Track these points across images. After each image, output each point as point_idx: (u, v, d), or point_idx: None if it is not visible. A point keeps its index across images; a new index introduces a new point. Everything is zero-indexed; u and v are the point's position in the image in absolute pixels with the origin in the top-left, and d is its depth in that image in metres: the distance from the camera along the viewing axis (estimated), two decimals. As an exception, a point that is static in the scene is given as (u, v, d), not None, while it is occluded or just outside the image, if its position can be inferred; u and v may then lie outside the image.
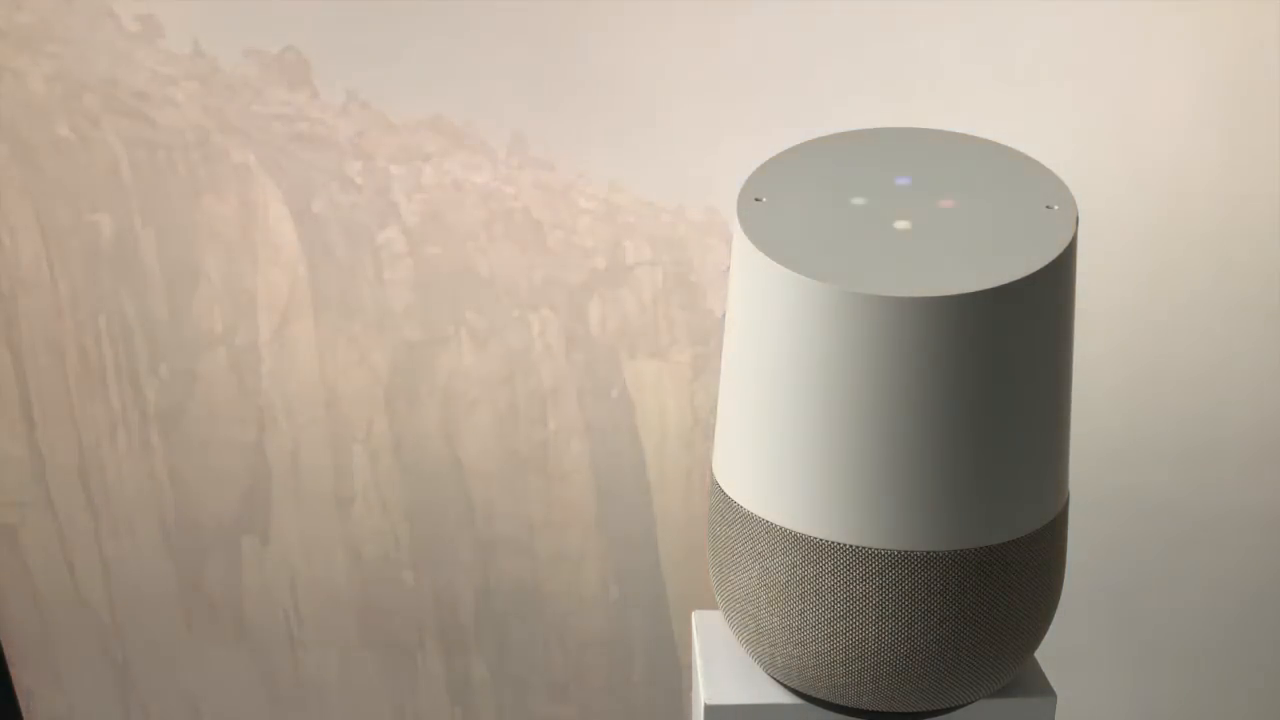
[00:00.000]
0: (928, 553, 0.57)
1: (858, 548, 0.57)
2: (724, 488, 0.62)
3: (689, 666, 0.70)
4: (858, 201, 0.58)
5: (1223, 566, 1.05)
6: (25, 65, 0.91)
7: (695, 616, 0.71)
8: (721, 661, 0.67)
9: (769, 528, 0.59)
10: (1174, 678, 1.10)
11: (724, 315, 0.60)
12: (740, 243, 0.57)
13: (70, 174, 0.94)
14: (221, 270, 0.97)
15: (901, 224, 0.57)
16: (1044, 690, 0.65)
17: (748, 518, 0.60)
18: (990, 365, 0.54)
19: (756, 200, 0.58)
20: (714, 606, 0.67)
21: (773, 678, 0.65)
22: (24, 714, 1.17)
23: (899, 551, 0.57)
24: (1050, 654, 0.67)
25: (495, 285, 0.97)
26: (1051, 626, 0.63)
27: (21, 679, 1.16)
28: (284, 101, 0.91)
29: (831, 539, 0.57)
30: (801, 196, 0.59)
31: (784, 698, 0.64)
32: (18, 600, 1.12)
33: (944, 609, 0.58)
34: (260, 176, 0.93)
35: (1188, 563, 1.05)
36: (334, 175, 0.93)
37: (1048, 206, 0.58)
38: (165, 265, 0.97)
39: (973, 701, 0.63)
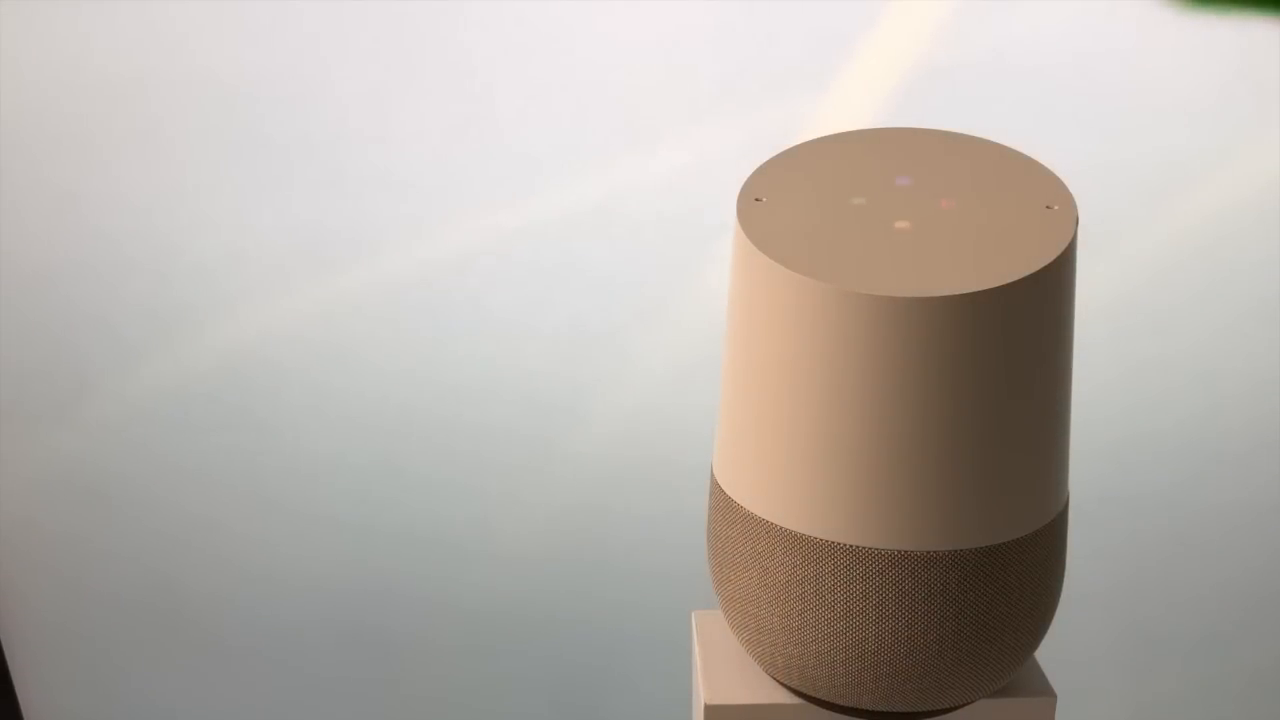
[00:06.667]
0: (928, 553, 0.57)
1: (858, 548, 0.57)
2: (724, 488, 0.62)
3: (689, 666, 0.70)
4: (858, 201, 0.58)
5: (1223, 566, 1.05)
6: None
7: (695, 616, 0.71)
8: (721, 661, 0.67)
9: (769, 528, 0.59)
10: (1174, 678, 1.10)
11: (723, 316, 0.60)
12: (740, 243, 0.57)
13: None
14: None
15: (901, 224, 0.57)
16: (1044, 690, 0.65)
17: (748, 518, 0.60)
18: (990, 365, 0.54)
19: (756, 200, 0.58)
20: (714, 606, 0.67)
21: (773, 678, 0.65)
22: (24, 714, 1.17)
23: (899, 551, 0.57)
24: (1050, 654, 0.66)
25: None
26: (1051, 626, 0.63)
27: (22, 679, 1.16)
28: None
29: (831, 539, 0.57)
30: (801, 196, 0.59)
31: (784, 698, 0.64)
32: (18, 600, 1.12)
33: (944, 609, 0.58)
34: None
35: (1188, 562, 1.05)
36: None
37: (1048, 206, 0.58)
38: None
39: (973, 701, 0.63)
